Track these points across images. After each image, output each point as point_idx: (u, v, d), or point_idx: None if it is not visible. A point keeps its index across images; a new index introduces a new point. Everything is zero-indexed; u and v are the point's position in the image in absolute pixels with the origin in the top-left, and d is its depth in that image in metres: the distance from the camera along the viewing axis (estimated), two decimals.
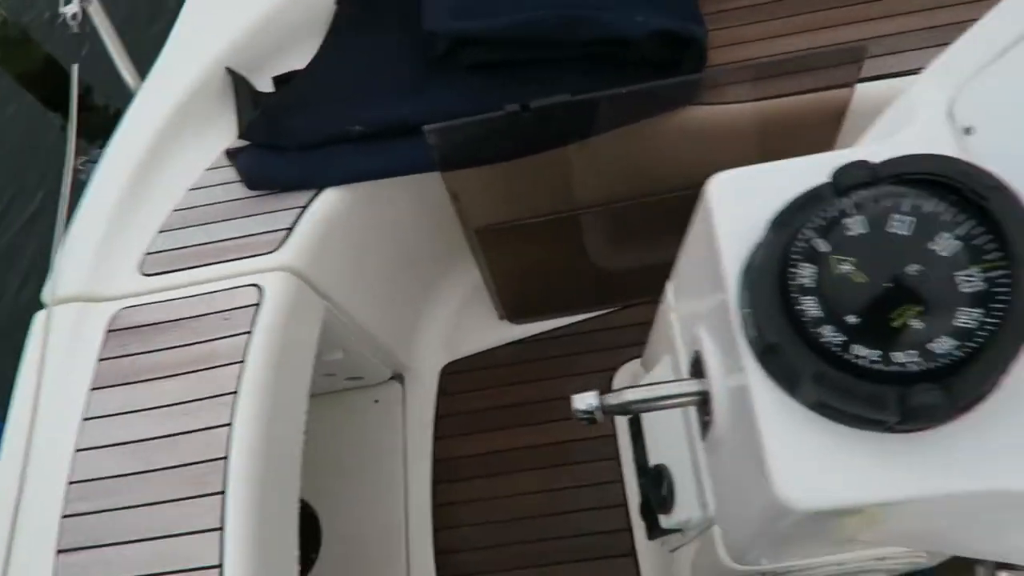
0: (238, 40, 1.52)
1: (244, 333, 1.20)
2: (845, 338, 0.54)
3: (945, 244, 0.55)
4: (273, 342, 1.21)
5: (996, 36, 0.65)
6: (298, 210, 1.36)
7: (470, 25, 1.33)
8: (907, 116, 0.69)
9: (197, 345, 1.21)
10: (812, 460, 0.56)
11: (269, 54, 1.57)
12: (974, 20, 1.29)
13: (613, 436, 1.64)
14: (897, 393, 0.52)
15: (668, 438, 0.95)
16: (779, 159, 1.38)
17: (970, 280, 0.53)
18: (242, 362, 1.17)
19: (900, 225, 0.57)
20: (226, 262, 1.31)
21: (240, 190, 1.42)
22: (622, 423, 1.60)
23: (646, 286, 1.69)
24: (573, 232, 1.54)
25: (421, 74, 1.43)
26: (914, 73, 1.27)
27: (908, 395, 0.51)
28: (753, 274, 0.60)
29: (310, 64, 1.54)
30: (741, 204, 0.66)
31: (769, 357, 0.57)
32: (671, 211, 1.48)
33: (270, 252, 1.31)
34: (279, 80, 1.57)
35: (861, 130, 1.31)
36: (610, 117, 1.29)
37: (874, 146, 0.67)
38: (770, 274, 0.58)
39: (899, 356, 0.53)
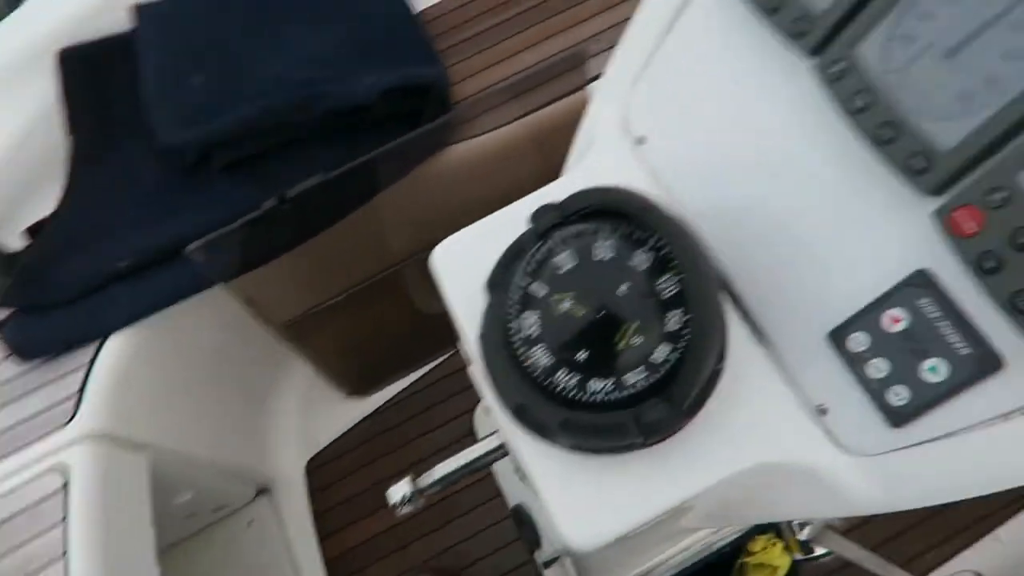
0: None
1: (58, 523, 1.10)
2: (580, 376, 0.55)
3: (641, 259, 0.57)
4: (95, 521, 1.10)
5: (642, 41, 0.69)
6: (84, 368, 1.26)
7: (202, 130, 1.28)
8: (590, 136, 0.72)
9: (7, 558, 1.09)
10: (586, 499, 0.56)
11: (12, 206, 1.45)
12: None
13: (491, 473, 1.63)
14: (633, 415, 0.53)
15: (513, 479, 0.96)
16: (549, 166, 1.43)
17: (667, 286, 0.56)
18: (65, 554, 1.07)
19: (603, 251, 0.58)
20: (18, 451, 1.19)
21: (13, 366, 1.30)
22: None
23: None
24: (382, 294, 1.52)
25: (176, 189, 1.36)
26: None
27: (640, 415, 0.53)
28: (485, 341, 0.60)
29: (58, 207, 1.43)
30: (466, 269, 0.66)
31: (519, 416, 0.58)
32: None
33: (65, 424, 1.20)
34: (32, 230, 1.46)
35: None
36: (371, 182, 1.28)
37: (568, 176, 0.69)
38: (496, 336, 0.58)
39: (630, 378, 0.55)
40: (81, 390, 1.23)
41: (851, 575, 1.29)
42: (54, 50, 1.42)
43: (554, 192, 0.65)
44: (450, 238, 0.68)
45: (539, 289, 0.59)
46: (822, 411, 0.56)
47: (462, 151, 1.34)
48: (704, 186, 0.64)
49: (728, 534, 0.99)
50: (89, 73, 1.45)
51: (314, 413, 1.77)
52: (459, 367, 1.75)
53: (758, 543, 1.15)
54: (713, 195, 0.63)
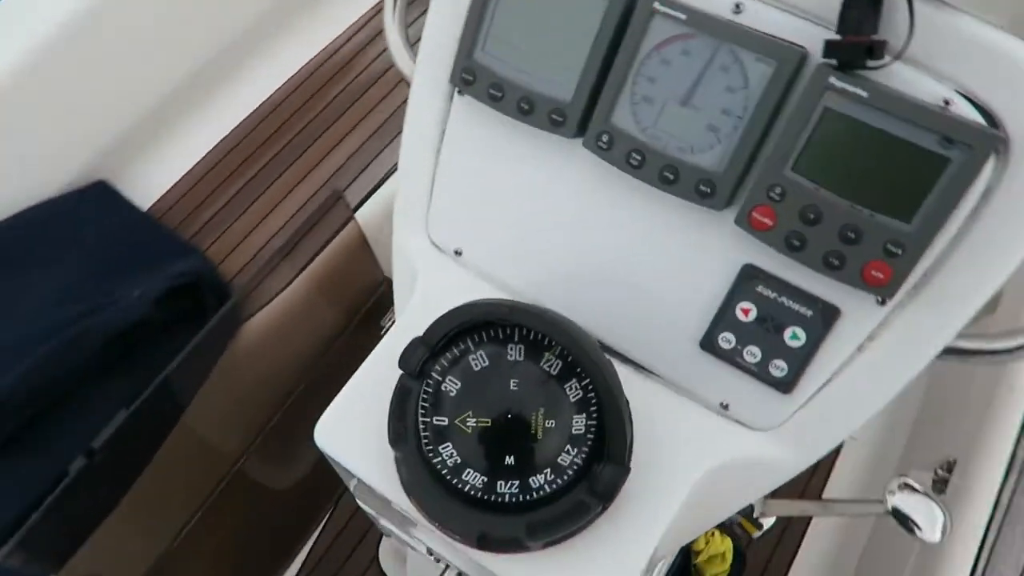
0: None
1: None
2: (518, 479, 0.58)
3: (517, 351, 0.61)
4: None
5: (419, 165, 0.73)
6: None
7: None
8: (408, 267, 0.75)
9: None
10: None
11: None
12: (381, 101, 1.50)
13: None
14: (586, 490, 0.57)
15: None
16: (345, 308, 1.43)
17: (553, 363, 0.60)
18: None
19: (480, 361, 0.61)
20: None
21: None
22: None
23: (332, 488, 1.64)
24: (237, 497, 1.40)
25: None
26: (387, 179, 1.43)
27: (593, 485, 0.56)
28: (414, 490, 0.60)
29: None
30: (354, 435, 0.65)
31: (484, 545, 0.58)
32: (309, 408, 1.45)
33: None
34: None
35: (389, 243, 1.44)
36: (178, 395, 1.20)
37: (409, 313, 0.71)
38: (423, 481, 0.59)
39: (564, 459, 0.58)
40: None
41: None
42: None
43: (402, 335, 0.67)
44: (326, 413, 0.67)
45: (441, 421, 0.60)
46: (725, 407, 0.63)
47: (254, 327, 1.31)
48: (533, 270, 0.70)
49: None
50: None
51: None
52: (340, 529, 1.66)
53: (699, 540, 1.22)
54: (545, 274, 0.69)
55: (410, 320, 0.69)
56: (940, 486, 1.27)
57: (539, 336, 0.61)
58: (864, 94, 0.50)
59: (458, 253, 0.73)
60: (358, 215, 1.38)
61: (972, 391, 1.29)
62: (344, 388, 0.68)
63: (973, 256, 0.52)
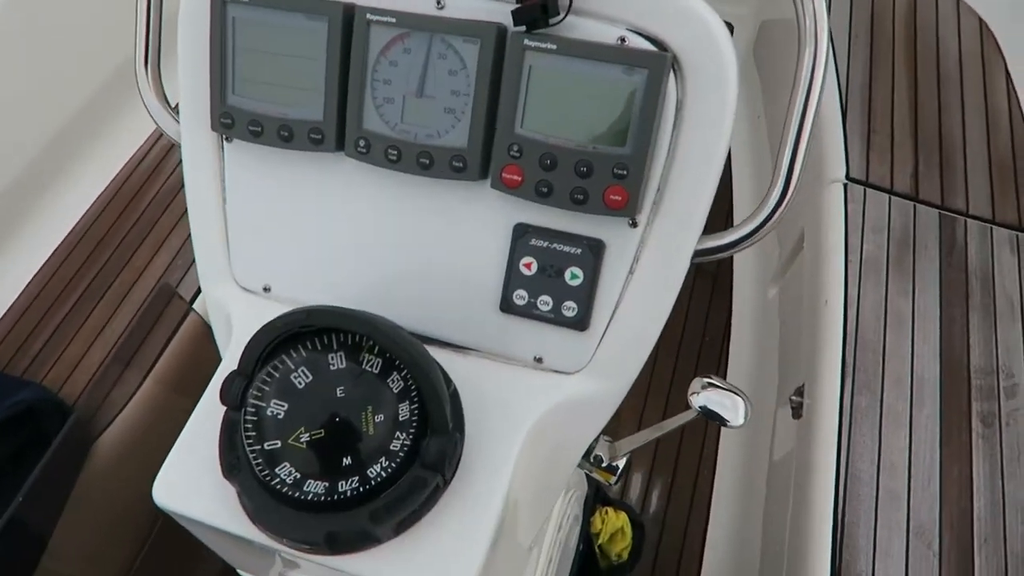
0: None
1: None
2: (358, 475, 0.59)
3: (336, 357, 0.64)
4: None
5: (204, 216, 0.75)
6: None
7: None
8: (225, 319, 0.77)
9: None
10: (434, 562, 0.60)
11: None
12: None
13: None
14: (420, 464, 0.59)
15: None
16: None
17: (371, 361, 0.63)
18: None
19: (301, 377, 0.63)
20: None
21: None
22: None
23: None
24: None
25: None
26: None
27: (425, 458, 0.59)
28: (259, 515, 0.60)
29: None
30: (195, 484, 0.65)
31: (334, 545, 0.59)
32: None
33: None
34: None
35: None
36: (32, 529, 1.12)
37: (228, 354, 0.72)
38: (264, 503, 0.60)
39: (395, 444, 0.60)
40: None
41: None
42: None
43: (222, 376, 0.68)
44: (160, 474, 0.66)
45: (274, 444, 0.62)
46: (539, 359, 0.68)
47: (112, 439, 1.25)
48: (339, 285, 0.73)
49: (569, 527, 1.07)
50: None
51: None
52: None
53: (595, 522, 1.25)
54: (350, 285, 0.72)
55: (229, 362, 0.70)
56: (797, 411, 1.37)
57: (357, 338, 0.64)
58: (552, 46, 0.58)
59: (267, 289, 0.75)
60: (196, 305, 1.36)
61: (802, 319, 1.42)
62: (176, 443, 0.68)
63: (688, 162, 0.60)
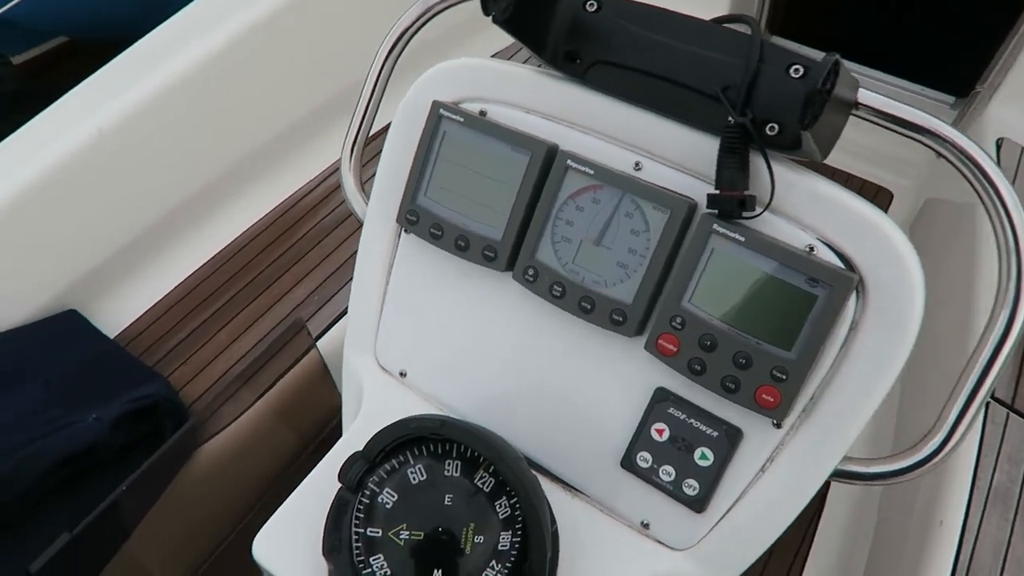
0: None
1: None
2: None
3: (452, 467, 0.65)
4: None
5: (368, 296, 0.80)
6: None
7: None
8: (357, 387, 0.81)
9: None
10: None
11: None
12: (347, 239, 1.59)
13: None
14: None
15: None
16: (302, 434, 1.46)
17: (485, 480, 0.64)
18: None
19: (416, 475, 0.65)
20: None
21: None
22: None
23: None
24: None
25: None
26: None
27: None
28: None
29: None
30: (292, 549, 0.68)
31: None
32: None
33: None
34: None
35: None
36: (123, 519, 1.19)
37: (353, 429, 0.76)
38: None
39: (489, 575, 0.61)
40: None
41: None
42: None
43: (344, 451, 0.71)
44: (265, 528, 0.70)
45: (375, 532, 0.64)
46: (646, 526, 0.67)
47: (210, 451, 1.32)
48: (470, 391, 0.75)
49: None
50: None
51: None
52: None
53: None
54: (481, 395, 0.75)
55: (353, 437, 0.73)
56: None
57: (474, 453, 0.66)
58: (741, 239, 0.59)
59: (403, 375, 0.79)
60: (320, 344, 1.43)
61: (908, 530, 1.32)
62: (284, 503, 0.71)
63: (848, 383, 0.59)
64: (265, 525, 0.69)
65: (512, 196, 0.69)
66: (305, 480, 0.72)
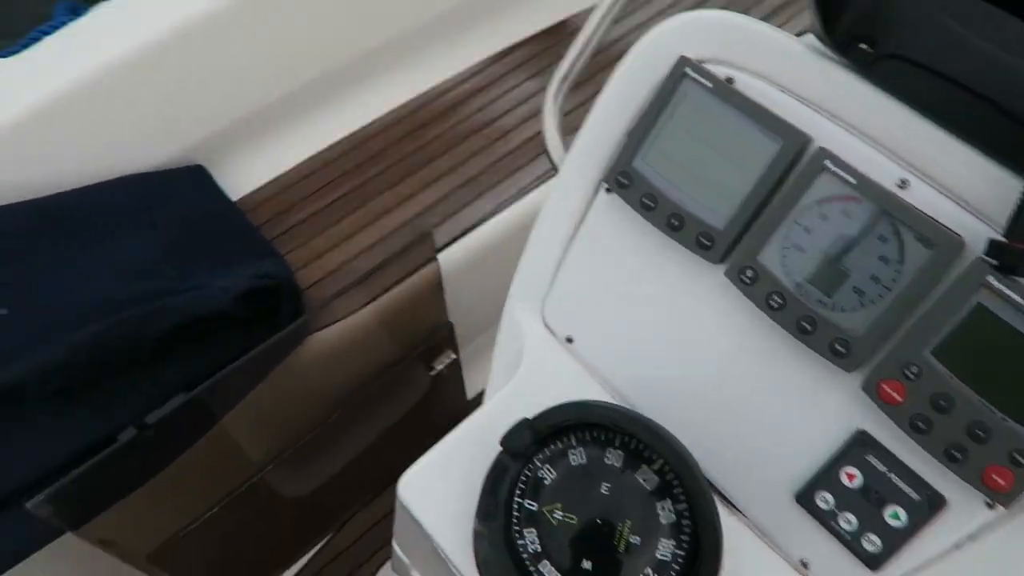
0: None
1: None
2: None
3: (615, 455, 0.62)
4: None
5: (548, 251, 0.76)
6: None
7: (19, 371, 1.13)
8: (516, 341, 0.77)
9: None
10: None
11: None
12: (491, 164, 1.54)
13: None
14: None
15: None
16: (411, 340, 1.45)
17: (649, 479, 0.61)
18: None
19: (577, 457, 0.63)
20: None
21: None
22: None
23: (351, 502, 1.64)
24: (257, 498, 1.41)
25: None
26: (472, 229, 1.46)
27: None
28: (489, 567, 0.61)
29: None
30: (438, 497, 0.66)
31: None
32: (346, 427, 1.46)
33: None
34: None
35: (460, 291, 1.46)
36: (236, 389, 1.22)
37: (513, 387, 0.73)
38: (502, 560, 0.60)
39: None
40: None
41: None
42: None
43: (500, 409, 0.68)
44: (413, 468, 0.68)
45: (531, 506, 0.61)
46: (804, 564, 0.63)
47: (315, 343, 1.32)
48: (643, 377, 0.71)
49: None
50: None
51: None
52: (340, 551, 1.65)
53: None
54: (654, 385, 0.70)
55: (510, 399, 0.71)
56: None
57: (640, 447, 0.62)
58: (1019, 299, 0.52)
59: (569, 340, 0.75)
60: (440, 257, 1.40)
61: None
62: (435, 448, 0.69)
63: None
64: (414, 465, 0.68)
65: (748, 184, 0.63)
66: (457, 430, 0.70)
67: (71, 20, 1.51)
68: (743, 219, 0.63)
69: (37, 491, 1.05)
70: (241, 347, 1.21)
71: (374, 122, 1.68)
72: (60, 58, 1.38)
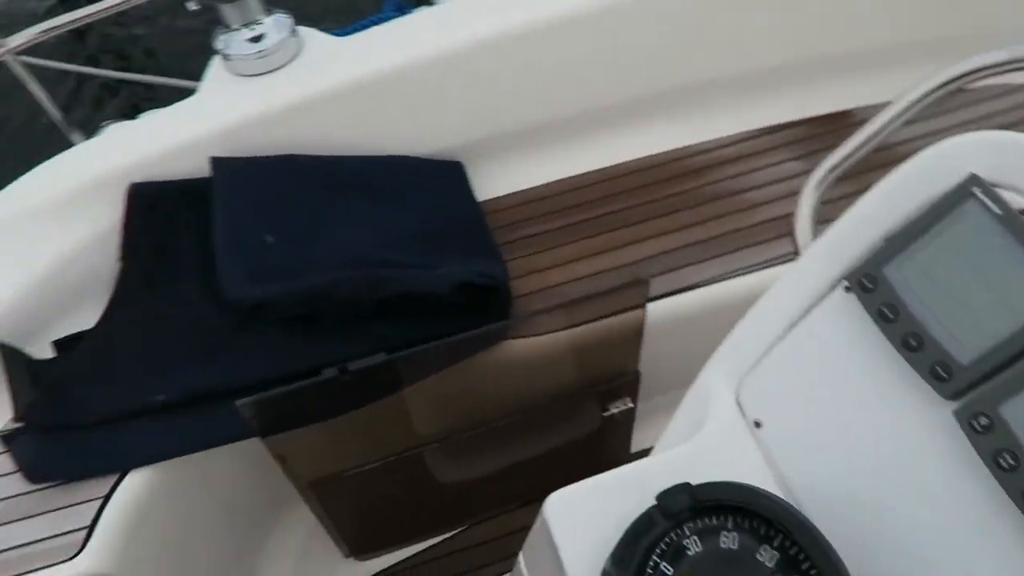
0: (6, 305, 1.38)
1: None
2: None
3: (768, 555, 0.59)
4: None
5: (764, 328, 0.74)
6: (98, 501, 1.21)
7: (270, 290, 1.31)
8: (702, 406, 0.76)
9: None
10: None
11: (47, 317, 1.44)
12: (729, 232, 1.52)
13: None
14: None
15: None
16: (595, 377, 1.47)
17: None
18: None
19: (728, 541, 0.60)
20: None
21: (20, 483, 1.24)
22: None
23: (488, 505, 1.69)
24: (412, 468, 1.51)
25: (226, 331, 1.37)
26: (689, 289, 1.45)
27: None
28: None
29: (96, 328, 1.42)
30: (580, 525, 0.67)
31: None
32: (506, 433, 1.52)
33: (68, 559, 1.14)
34: (61, 344, 1.44)
35: (657, 345, 1.45)
36: (429, 366, 1.31)
37: (688, 449, 0.72)
38: None
39: None
40: (91, 526, 1.17)
41: None
42: (125, 181, 1.47)
43: (664, 467, 0.67)
44: (565, 490, 0.70)
45: (667, 571, 0.60)
46: None
47: (507, 349, 1.38)
48: (824, 488, 0.67)
49: None
50: (154, 209, 1.49)
51: (312, 568, 1.69)
52: (463, 546, 1.71)
53: None
54: (836, 501, 0.66)
55: (679, 460, 0.70)
56: None
57: (800, 556, 0.59)
58: None
59: (757, 424, 0.72)
60: (649, 306, 1.41)
61: None
62: (591, 480, 0.70)
63: None
64: (566, 488, 0.69)
65: (1011, 327, 0.57)
66: (621, 469, 0.70)
67: (396, 16, 1.74)
68: (993, 362, 0.57)
69: (248, 395, 1.21)
70: (444, 330, 1.30)
71: (628, 162, 1.72)
72: (380, 45, 1.58)
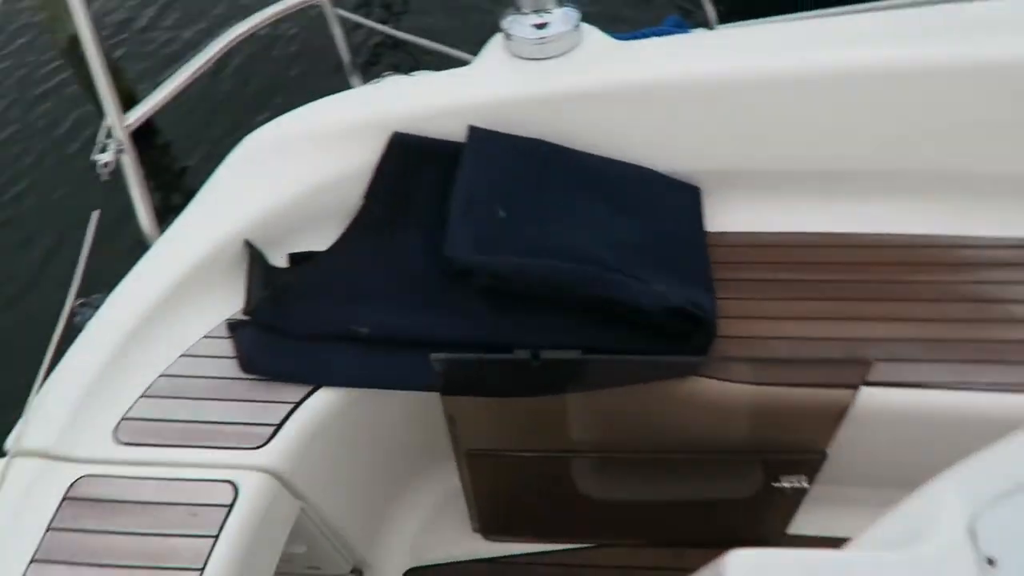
0: (261, 214, 1.55)
1: (210, 537, 1.14)
2: None
3: None
4: (238, 552, 1.14)
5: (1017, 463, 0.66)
6: (289, 406, 1.33)
7: (491, 260, 1.37)
8: (925, 519, 0.69)
9: (157, 538, 1.14)
10: None
11: (289, 232, 1.59)
12: (975, 340, 1.36)
13: None
14: None
15: None
16: (776, 444, 1.39)
17: None
18: (201, 571, 1.10)
19: None
20: (204, 448, 1.26)
21: (231, 368, 1.39)
22: None
23: (628, 529, 1.66)
24: (563, 469, 1.52)
25: (435, 287, 1.45)
26: (913, 387, 1.32)
27: None
28: None
29: (327, 252, 1.56)
30: None
31: None
32: (664, 468, 1.48)
33: (253, 448, 1.26)
34: (294, 258, 1.59)
35: (858, 433, 1.33)
36: (614, 377, 1.30)
37: (894, 559, 0.65)
38: None
39: None
40: (279, 426, 1.29)
41: None
42: (389, 130, 1.60)
43: (876, 569, 0.62)
44: (751, 552, 0.66)
45: None
46: None
47: (693, 385, 1.34)
48: None
49: None
50: (407, 159, 1.61)
51: (437, 529, 1.76)
52: (591, 563, 1.70)
53: None
54: None
55: (886, 567, 0.64)
56: None
57: None
58: None
59: (990, 562, 0.65)
60: (863, 389, 1.30)
61: None
62: (781, 551, 0.67)
63: None
64: (752, 550, 0.66)
65: None
66: (816, 553, 0.66)
67: (675, 32, 1.74)
68: None
69: (439, 351, 1.27)
70: (636, 345, 1.29)
71: (873, 234, 1.60)
72: (656, 56, 1.59)
